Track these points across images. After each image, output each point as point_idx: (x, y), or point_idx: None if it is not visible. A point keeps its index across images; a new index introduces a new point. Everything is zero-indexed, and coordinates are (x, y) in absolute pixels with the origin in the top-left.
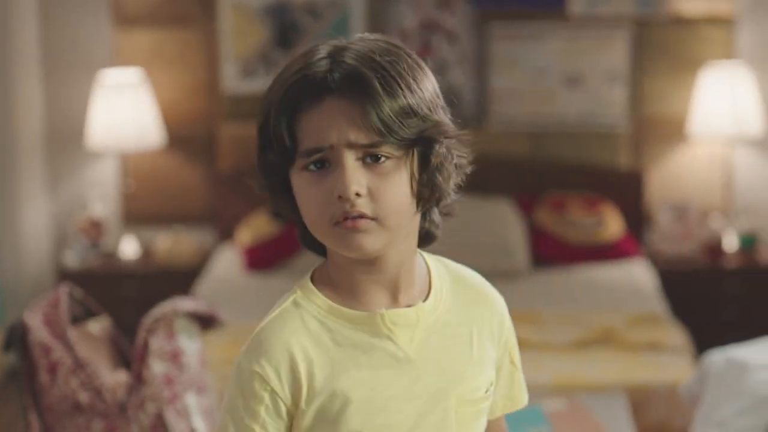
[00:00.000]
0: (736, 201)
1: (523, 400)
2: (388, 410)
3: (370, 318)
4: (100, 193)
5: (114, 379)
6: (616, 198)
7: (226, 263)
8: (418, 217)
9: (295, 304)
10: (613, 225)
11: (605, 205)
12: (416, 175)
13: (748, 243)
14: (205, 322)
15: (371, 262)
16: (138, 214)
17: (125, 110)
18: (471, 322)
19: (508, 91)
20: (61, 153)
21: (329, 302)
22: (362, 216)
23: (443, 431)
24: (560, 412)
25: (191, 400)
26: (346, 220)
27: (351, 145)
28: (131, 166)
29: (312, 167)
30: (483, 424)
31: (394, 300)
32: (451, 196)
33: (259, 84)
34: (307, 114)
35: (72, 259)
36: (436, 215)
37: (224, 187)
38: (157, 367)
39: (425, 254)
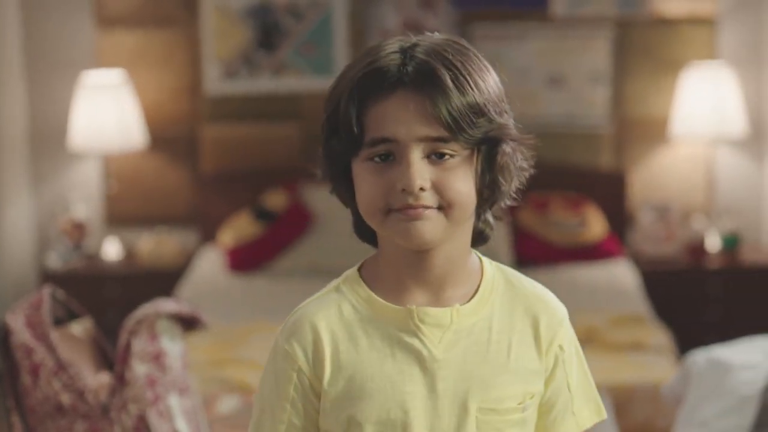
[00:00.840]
0: (719, 201)
1: (568, 428)
2: (405, 406)
3: (403, 313)
4: (83, 195)
5: (96, 380)
6: (598, 198)
7: (209, 265)
8: (473, 217)
9: (337, 289)
10: (595, 225)
11: (588, 206)
12: (480, 174)
13: (731, 243)
14: (188, 323)
15: (420, 257)
16: (121, 215)
17: (108, 111)
18: (512, 330)
19: None
20: (43, 154)
21: (370, 292)
22: (425, 207)
23: None
24: None
25: (174, 401)
26: (408, 209)
27: (419, 139)
28: (114, 167)
29: (377, 159)
30: None
31: (437, 298)
32: (510, 199)
33: (242, 85)
34: (376, 105)
35: (54, 260)
36: (490, 216)
37: (207, 189)
38: (139, 369)
39: (485, 259)
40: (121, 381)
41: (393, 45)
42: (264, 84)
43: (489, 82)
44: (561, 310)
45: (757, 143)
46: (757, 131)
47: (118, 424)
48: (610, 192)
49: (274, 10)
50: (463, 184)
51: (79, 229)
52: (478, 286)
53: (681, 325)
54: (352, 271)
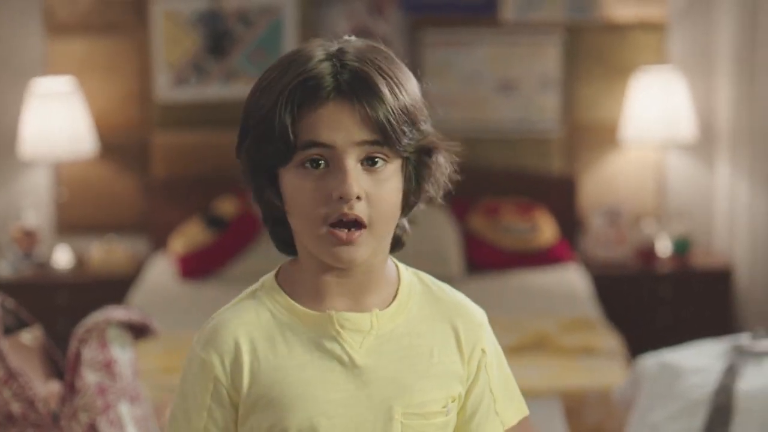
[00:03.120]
0: (669, 205)
1: (494, 429)
2: (327, 413)
3: (322, 318)
4: (33, 203)
5: (47, 389)
6: (549, 203)
7: (160, 272)
8: (389, 236)
9: (254, 296)
10: (546, 230)
11: (538, 211)
12: (407, 181)
13: (681, 247)
14: (138, 331)
15: (341, 268)
16: (71, 223)
17: (58, 119)
18: (433, 335)
19: (441, 98)
20: None
21: (288, 299)
22: (358, 221)
23: None
24: None
25: (124, 409)
26: (341, 230)
27: (355, 144)
28: (64, 175)
29: (308, 164)
30: None
31: (356, 304)
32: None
33: (192, 92)
34: (311, 113)
35: (4, 268)
36: (405, 222)
37: (157, 196)
38: (89, 377)
39: (401, 265)
40: (71, 389)
41: (318, 51)
42: (214, 90)
43: (415, 89)
44: (480, 314)
45: (707, 147)
46: (707, 135)
47: None
48: (560, 197)
49: (224, 17)
50: (394, 195)
51: (29, 237)
52: (396, 292)
53: (632, 329)
54: (268, 278)
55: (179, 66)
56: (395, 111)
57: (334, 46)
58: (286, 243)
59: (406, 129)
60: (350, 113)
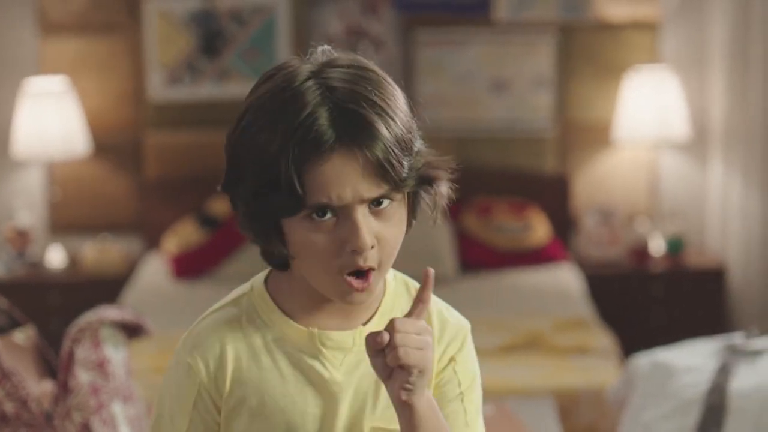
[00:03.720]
0: (662, 205)
1: None
2: (304, 426)
3: (305, 335)
4: (26, 202)
5: (40, 389)
6: (542, 203)
7: (153, 272)
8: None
9: (241, 301)
10: (539, 230)
11: (532, 210)
12: (412, 211)
13: (675, 247)
14: (132, 330)
15: None
16: (64, 222)
17: (51, 118)
18: None
19: (434, 97)
20: None
21: (276, 310)
22: (371, 270)
23: None
24: (488, 418)
25: (117, 409)
26: (357, 277)
27: (363, 201)
28: (57, 174)
29: (315, 216)
30: None
31: (345, 321)
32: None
33: (185, 92)
34: (317, 167)
35: None
36: None
37: (151, 195)
38: (83, 377)
39: (389, 273)
40: (64, 389)
41: (310, 91)
42: (208, 90)
43: (404, 107)
44: (461, 326)
45: (700, 147)
46: (700, 135)
47: None
48: (554, 196)
49: (217, 16)
50: (399, 230)
51: (22, 237)
52: (380, 305)
53: (625, 329)
54: (258, 282)
55: (172, 65)
56: (393, 149)
57: (321, 76)
58: (278, 260)
59: (405, 163)
60: (353, 164)
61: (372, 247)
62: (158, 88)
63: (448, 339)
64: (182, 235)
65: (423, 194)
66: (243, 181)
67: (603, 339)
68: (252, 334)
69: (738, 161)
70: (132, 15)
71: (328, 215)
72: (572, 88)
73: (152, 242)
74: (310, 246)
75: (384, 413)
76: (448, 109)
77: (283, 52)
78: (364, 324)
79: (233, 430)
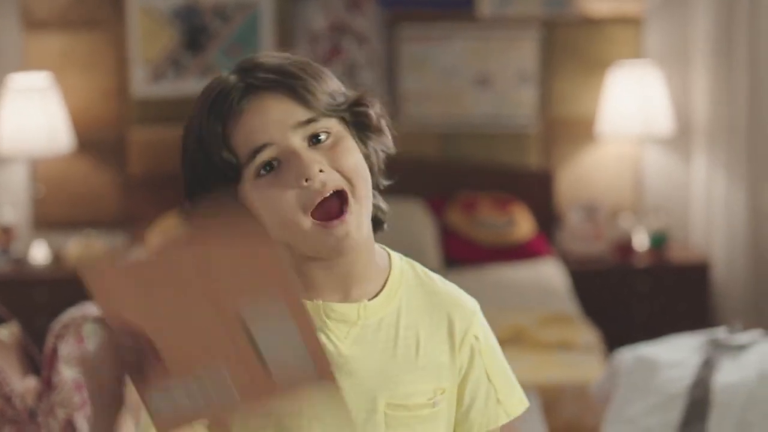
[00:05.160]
0: (646, 200)
1: (498, 419)
2: (313, 401)
3: (310, 308)
4: (10, 199)
5: (24, 385)
6: (526, 198)
7: None
8: (371, 201)
9: None
10: (523, 225)
11: (515, 206)
12: (360, 141)
13: (658, 242)
14: None
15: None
16: (48, 219)
17: (34, 115)
18: (421, 326)
19: (418, 92)
20: None
21: None
22: (336, 191)
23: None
24: None
25: None
26: (328, 221)
27: (293, 128)
28: (41, 171)
29: (263, 172)
30: None
31: (346, 295)
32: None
33: (169, 87)
34: (237, 123)
35: None
36: (381, 201)
37: (135, 191)
38: (66, 373)
39: (394, 254)
40: (48, 385)
41: (225, 72)
42: (191, 86)
43: (334, 80)
44: (472, 303)
45: (684, 142)
46: (684, 130)
47: (45, 429)
48: (537, 191)
49: (201, 12)
50: (353, 153)
51: (6, 234)
52: (386, 281)
53: (609, 324)
54: None
55: (156, 61)
56: (315, 85)
57: (245, 63)
58: None
59: (321, 89)
60: (274, 104)
61: (321, 170)
62: (142, 84)
63: (459, 321)
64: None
65: (362, 120)
66: (191, 177)
67: (587, 334)
68: None
69: (722, 156)
70: (115, 11)
71: (275, 166)
72: (556, 84)
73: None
74: (269, 202)
75: (401, 389)
76: (432, 105)
77: (266, 47)
78: (370, 300)
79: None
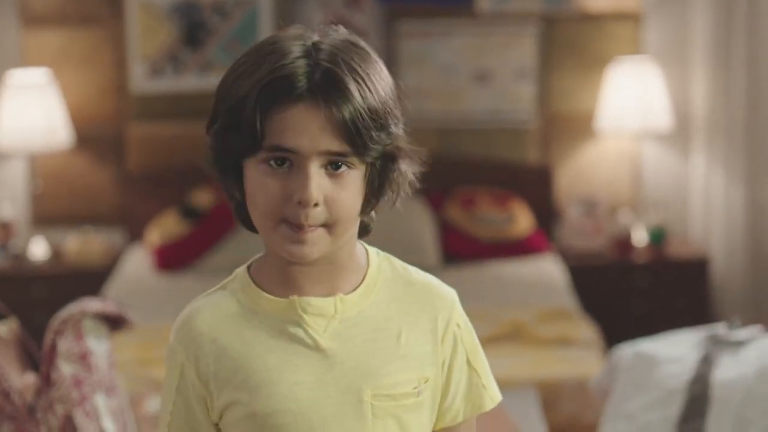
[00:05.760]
0: (645, 196)
1: (483, 404)
2: (295, 396)
3: (285, 304)
4: (9, 195)
5: (22, 381)
6: (525, 194)
7: (136, 264)
8: (347, 236)
9: (225, 287)
10: (522, 221)
11: (515, 201)
12: (370, 183)
13: (657, 237)
14: (114, 322)
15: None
16: (47, 215)
17: (33, 111)
18: (402, 317)
19: (417, 88)
20: None
21: (255, 288)
22: (313, 227)
23: (357, 423)
24: None
25: (100, 401)
26: (296, 229)
27: (320, 153)
28: (40, 166)
29: (272, 163)
30: (416, 421)
31: (324, 291)
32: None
33: (168, 84)
34: (281, 112)
35: None
36: (373, 213)
37: (133, 188)
38: (65, 369)
39: (371, 249)
40: (47, 381)
41: (296, 47)
42: (190, 82)
43: (387, 89)
44: (451, 292)
45: (683, 137)
46: (683, 125)
47: (44, 425)
48: (536, 187)
49: (200, 8)
50: (354, 199)
51: (5, 229)
52: (364, 276)
53: (608, 319)
54: (241, 270)
55: (155, 57)
56: (363, 115)
57: (311, 39)
58: (252, 225)
59: (373, 134)
60: (317, 117)
61: (316, 204)
62: (140, 80)
63: (440, 310)
64: (165, 227)
65: (386, 174)
66: (215, 121)
67: (586, 330)
68: (234, 313)
69: (720, 151)
70: (114, 7)
71: (285, 165)
72: (555, 79)
73: (135, 234)
74: (262, 190)
75: (386, 379)
76: (430, 101)
77: None
78: (348, 294)
79: (224, 408)
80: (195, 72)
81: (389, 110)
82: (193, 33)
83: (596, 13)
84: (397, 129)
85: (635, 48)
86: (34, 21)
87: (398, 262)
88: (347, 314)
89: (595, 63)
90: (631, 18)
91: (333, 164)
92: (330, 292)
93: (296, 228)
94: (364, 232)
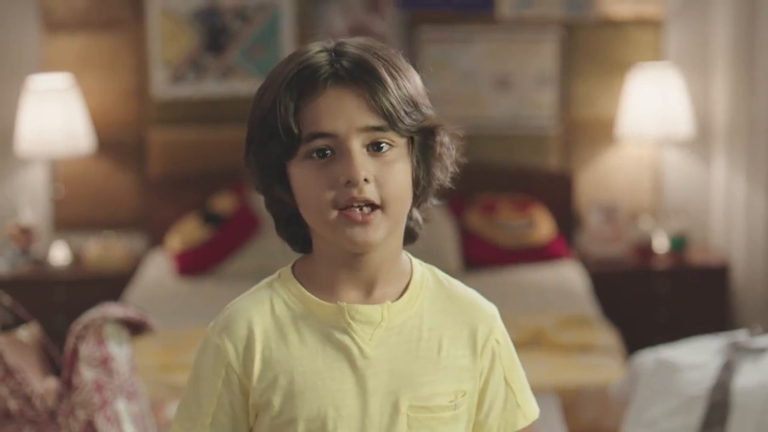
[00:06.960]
0: (666, 202)
1: (517, 423)
2: (335, 403)
3: (333, 309)
4: (30, 200)
5: (44, 386)
6: (546, 200)
7: (157, 269)
8: (403, 221)
9: (269, 286)
10: (543, 227)
11: (535, 207)
12: (416, 166)
13: (678, 244)
14: (135, 327)
15: (356, 257)
16: (68, 220)
17: (54, 116)
18: (443, 329)
19: (438, 95)
20: None
21: (302, 289)
22: (369, 203)
23: None
24: None
25: (121, 406)
26: (354, 210)
27: (358, 130)
28: (61, 172)
29: (315, 155)
30: None
31: (368, 296)
32: (440, 196)
33: (189, 89)
34: (312, 102)
35: (1, 266)
36: (419, 214)
37: (154, 193)
38: (87, 374)
39: (415, 259)
40: (68, 386)
41: (317, 46)
42: (211, 87)
43: (416, 78)
44: (492, 308)
45: (704, 144)
46: (704, 132)
47: (65, 430)
48: (557, 193)
49: (221, 13)
50: (403, 177)
51: (26, 234)
52: (408, 285)
53: (629, 326)
54: (285, 269)
55: (176, 63)
56: (397, 94)
57: (332, 43)
58: (300, 242)
59: (408, 110)
60: (351, 99)
61: (366, 180)
62: (162, 86)
63: (480, 324)
64: (186, 233)
65: (428, 148)
66: (251, 142)
67: (607, 336)
68: (280, 314)
69: (742, 158)
70: (135, 12)
71: (328, 155)
72: (576, 86)
73: (156, 240)
74: (310, 185)
75: (424, 389)
76: (451, 107)
77: (287, 49)
78: (393, 302)
79: (264, 410)
80: (217, 77)
81: (420, 94)
82: (214, 38)
83: (617, 19)
84: (430, 111)
85: (656, 54)
86: (55, 26)
87: (441, 274)
88: (393, 322)
89: (616, 69)
90: (653, 24)
91: (374, 145)
92: (373, 298)
93: (354, 214)
94: (410, 238)
